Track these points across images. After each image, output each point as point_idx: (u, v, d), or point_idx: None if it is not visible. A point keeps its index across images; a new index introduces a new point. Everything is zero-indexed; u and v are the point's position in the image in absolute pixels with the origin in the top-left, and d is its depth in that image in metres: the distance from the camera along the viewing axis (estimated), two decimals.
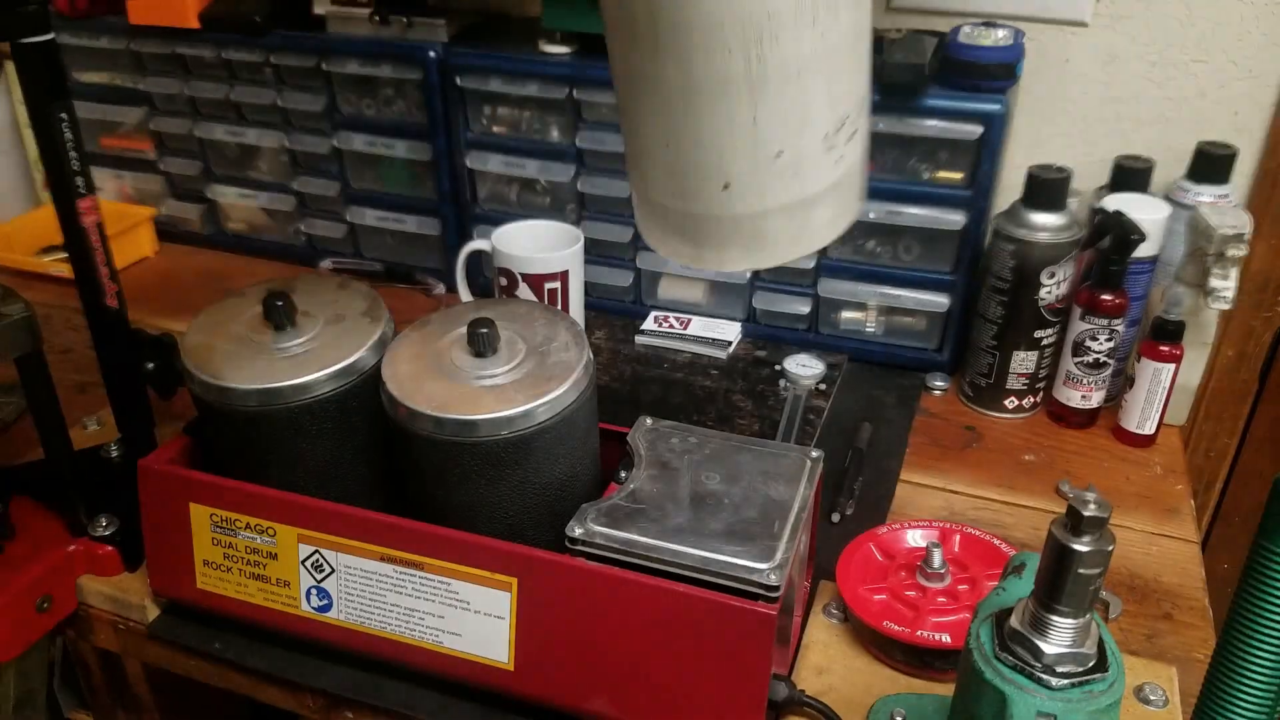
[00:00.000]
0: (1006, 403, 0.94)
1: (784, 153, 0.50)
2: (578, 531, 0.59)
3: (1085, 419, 0.93)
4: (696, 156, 0.50)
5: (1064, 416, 0.93)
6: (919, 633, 0.65)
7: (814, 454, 0.66)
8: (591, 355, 0.64)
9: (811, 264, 1.00)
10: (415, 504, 0.64)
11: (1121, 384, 0.93)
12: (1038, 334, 0.91)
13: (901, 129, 0.92)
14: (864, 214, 0.96)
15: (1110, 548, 0.45)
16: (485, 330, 0.61)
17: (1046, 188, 0.87)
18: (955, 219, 0.93)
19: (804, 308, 1.03)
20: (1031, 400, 0.94)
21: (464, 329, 0.63)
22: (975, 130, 0.90)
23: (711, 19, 0.46)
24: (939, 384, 0.99)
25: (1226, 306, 0.85)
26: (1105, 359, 0.89)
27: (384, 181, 1.16)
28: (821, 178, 0.52)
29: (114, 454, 0.83)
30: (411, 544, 0.62)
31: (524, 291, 0.94)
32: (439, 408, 0.59)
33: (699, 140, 0.49)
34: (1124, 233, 0.84)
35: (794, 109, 0.48)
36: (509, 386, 0.60)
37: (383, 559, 0.63)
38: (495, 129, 1.08)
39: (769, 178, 0.50)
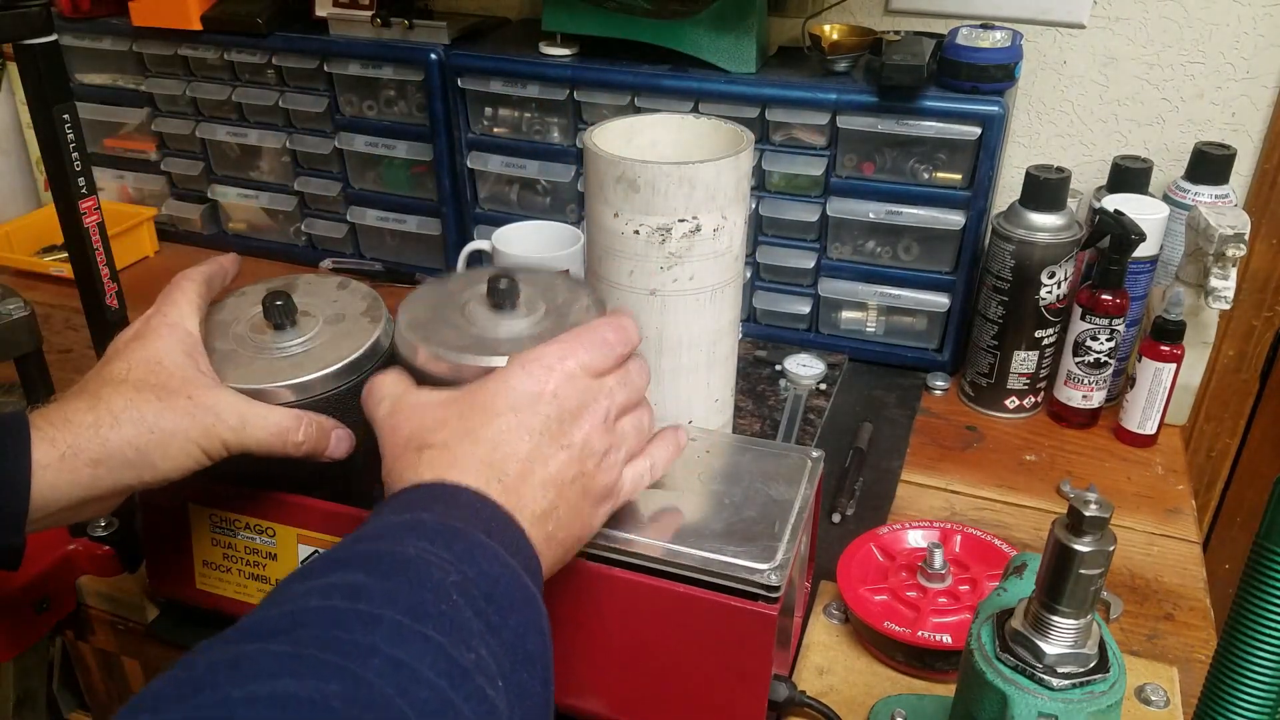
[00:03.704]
0: (1007, 403, 0.94)
1: None
2: None
3: (1086, 419, 0.93)
4: None
5: (1065, 416, 0.93)
6: (920, 633, 0.65)
7: (814, 454, 0.66)
8: None
9: (812, 264, 1.00)
10: None
11: (1122, 384, 0.93)
12: (1038, 334, 0.91)
13: (900, 130, 0.92)
14: (864, 214, 0.96)
15: (1111, 548, 0.45)
16: (505, 284, 0.58)
17: (1046, 188, 0.87)
18: (955, 219, 0.94)
19: (804, 308, 1.03)
20: (1032, 400, 0.94)
21: (484, 284, 0.59)
22: (974, 131, 0.90)
23: None
24: (939, 384, 1.00)
25: (1226, 306, 0.85)
26: (1106, 359, 0.89)
27: (385, 182, 1.16)
28: None
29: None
30: None
31: None
32: (460, 349, 0.55)
33: None
34: (1123, 233, 0.84)
35: None
36: (526, 339, 0.57)
37: None
38: (496, 130, 1.08)
39: None
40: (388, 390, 0.53)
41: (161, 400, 0.52)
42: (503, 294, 0.58)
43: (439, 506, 0.44)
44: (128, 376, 0.52)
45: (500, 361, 0.53)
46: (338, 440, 0.58)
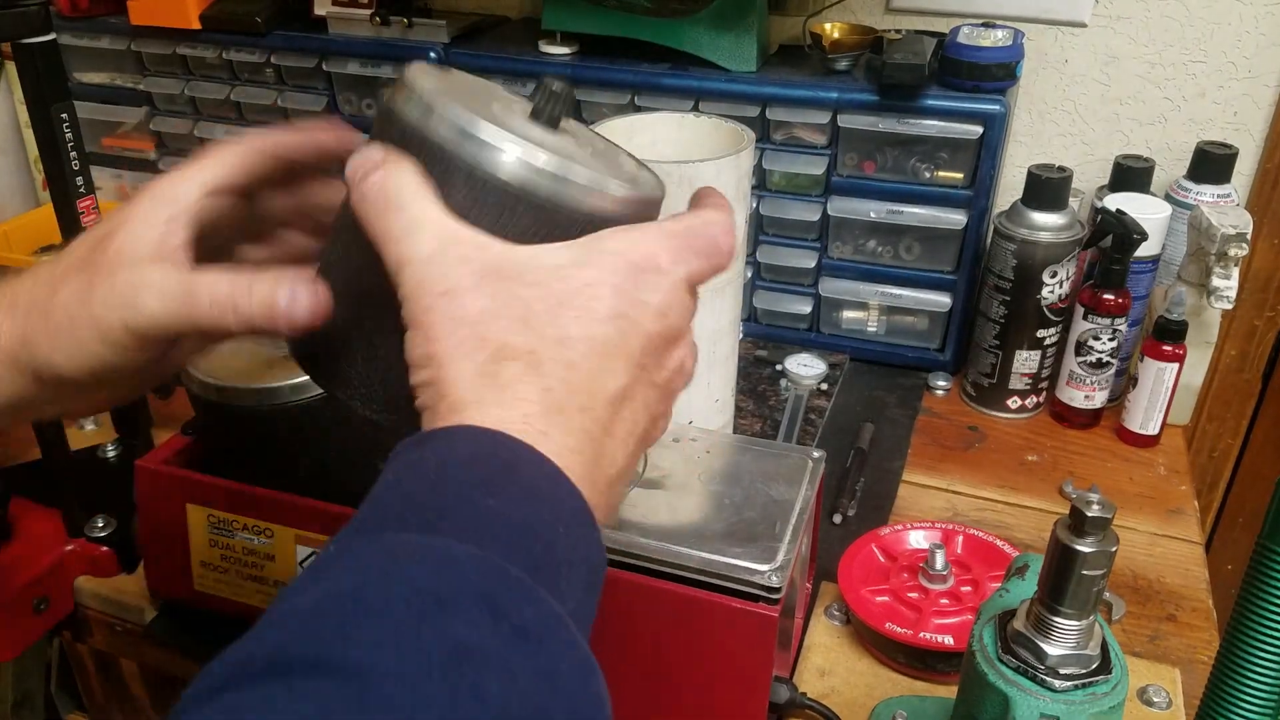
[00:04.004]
0: (1009, 403, 0.94)
1: None
2: None
3: (1088, 419, 0.92)
4: None
5: (1067, 417, 0.93)
6: (921, 635, 0.64)
7: (815, 454, 0.65)
8: None
9: (813, 264, 1.00)
10: None
11: (1124, 384, 0.92)
12: (1040, 333, 0.90)
13: (902, 129, 0.92)
14: (865, 213, 0.96)
15: (1114, 549, 0.45)
16: (560, 89, 0.41)
17: (1047, 187, 0.87)
18: (956, 218, 0.93)
19: (805, 307, 1.02)
20: (1034, 400, 0.94)
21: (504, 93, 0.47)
22: (975, 130, 0.90)
23: None
24: (941, 384, 0.99)
25: (1228, 306, 0.84)
26: (1108, 359, 0.89)
27: None
28: None
29: (111, 454, 0.83)
30: None
31: None
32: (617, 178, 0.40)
33: None
34: (1125, 232, 0.84)
35: None
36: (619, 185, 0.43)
37: None
38: None
39: None
40: (427, 213, 0.34)
41: (65, 279, 0.40)
42: (559, 103, 0.40)
43: (529, 506, 0.31)
44: (73, 250, 0.41)
45: (657, 193, 0.39)
46: (292, 298, 0.37)
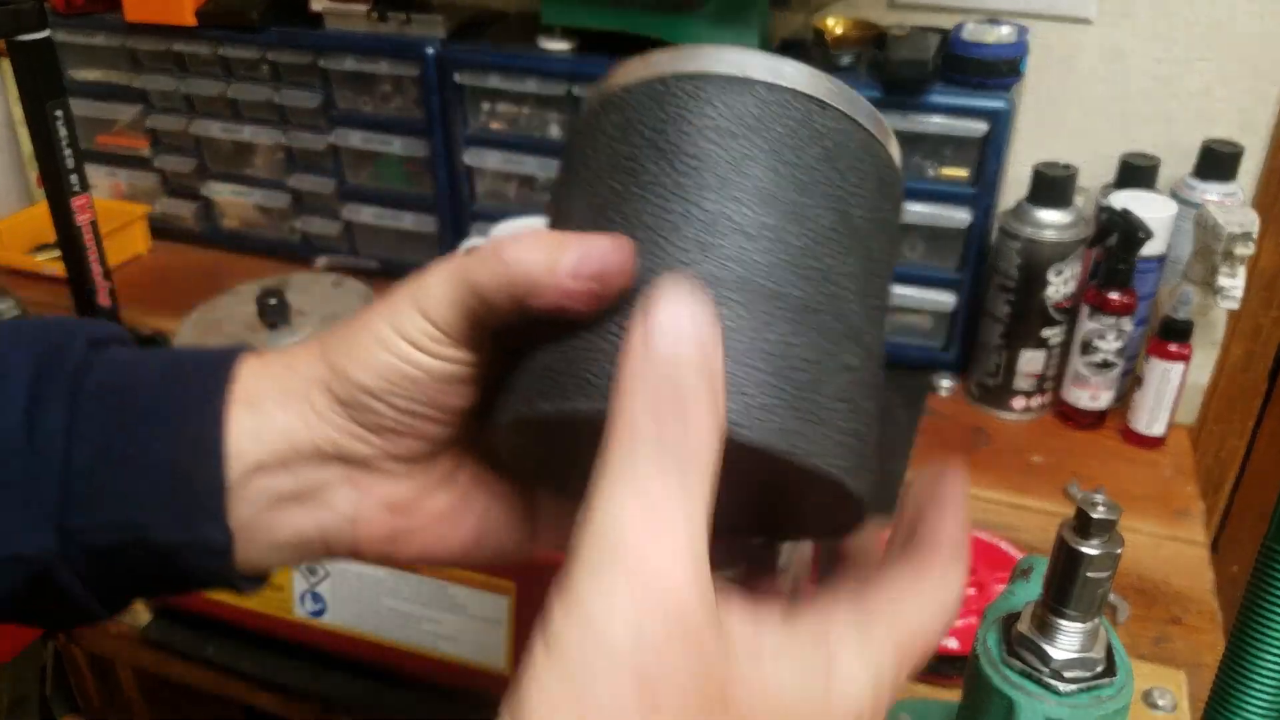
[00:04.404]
0: (1014, 403, 0.93)
1: None
2: None
3: (1094, 420, 0.92)
4: None
5: (1072, 417, 0.92)
6: None
7: None
8: None
9: None
10: None
11: (1130, 384, 0.92)
12: (1045, 333, 0.89)
13: (905, 126, 0.91)
14: None
15: (1119, 551, 0.44)
16: None
17: (1052, 185, 0.86)
18: (961, 216, 0.92)
19: None
20: (1040, 400, 0.93)
21: None
22: (980, 127, 0.89)
23: None
24: (945, 384, 0.98)
25: (1234, 305, 0.84)
26: (1113, 359, 0.88)
27: (380, 178, 1.15)
28: None
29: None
30: None
31: None
32: None
33: None
34: (1130, 230, 0.83)
35: None
36: None
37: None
38: (493, 125, 1.07)
39: None
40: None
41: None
42: None
43: None
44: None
45: None
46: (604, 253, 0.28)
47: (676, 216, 0.28)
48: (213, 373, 0.33)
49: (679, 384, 0.24)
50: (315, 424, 0.33)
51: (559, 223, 0.33)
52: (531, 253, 0.29)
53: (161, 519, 0.31)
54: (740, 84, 0.30)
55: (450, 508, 0.35)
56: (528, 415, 0.29)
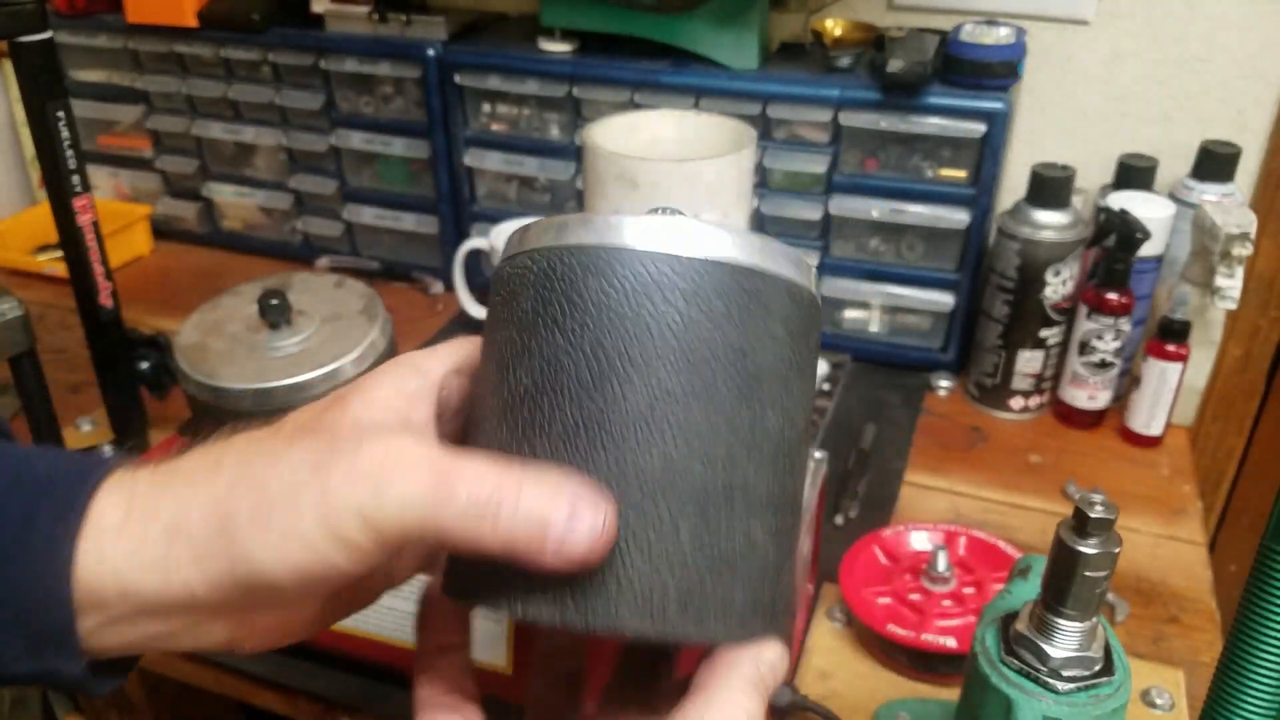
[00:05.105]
0: (1012, 403, 0.93)
1: None
2: None
3: (1092, 419, 0.92)
4: None
5: (1070, 417, 0.92)
6: (923, 637, 0.64)
7: (817, 455, 0.65)
8: None
9: (815, 263, 1.00)
10: None
11: (1128, 384, 0.92)
12: (1043, 333, 0.90)
13: (904, 127, 0.91)
14: (867, 212, 0.96)
15: (1117, 550, 0.45)
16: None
17: (1050, 186, 0.86)
18: (959, 217, 0.93)
19: None
20: (1038, 400, 0.93)
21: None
22: (978, 128, 0.89)
23: None
24: (944, 384, 0.99)
25: (1232, 306, 0.84)
26: (1111, 359, 0.88)
27: (382, 179, 1.15)
28: None
29: (108, 455, 0.82)
30: None
31: None
32: None
33: None
34: (1128, 231, 0.83)
35: None
36: None
37: None
38: (494, 127, 1.07)
39: None
40: None
41: (290, 442, 0.30)
42: None
43: None
44: (294, 418, 0.32)
45: None
46: (571, 517, 0.28)
47: (585, 423, 0.29)
48: (65, 506, 0.30)
49: None
50: (198, 589, 0.29)
51: (480, 414, 0.33)
52: (521, 531, 0.28)
53: (11, 650, 0.30)
54: (635, 256, 0.30)
55: (344, 595, 0.34)
56: (473, 604, 0.30)
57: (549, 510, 0.28)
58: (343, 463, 0.28)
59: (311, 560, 0.28)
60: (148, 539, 0.29)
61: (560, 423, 0.29)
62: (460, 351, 0.35)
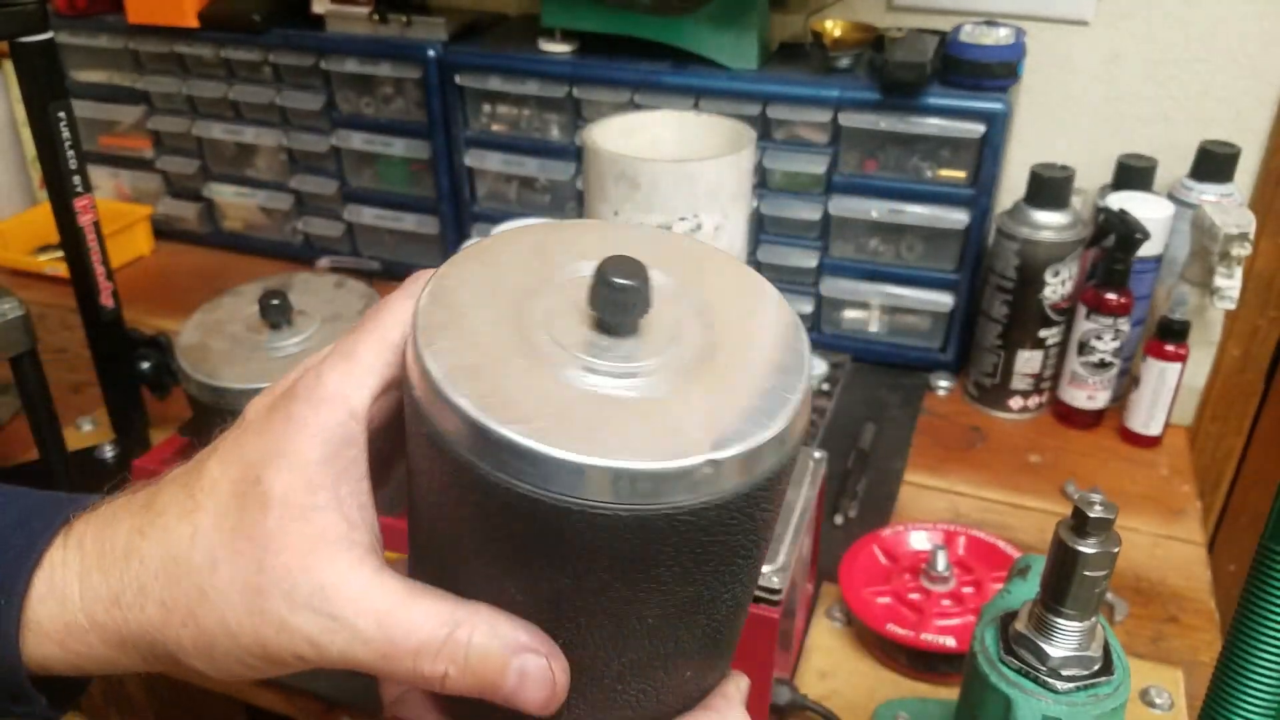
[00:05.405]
0: (1012, 403, 0.94)
1: None
2: None
3: (1091, 419, 0.92)
4: None
5: (1069, 417, 0.93)
6: (923, 636, 0.64)
7: (816, 455, 0.65)
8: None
9: (814, 263, 1.00)
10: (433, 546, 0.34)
11: (1127, 384, 0.92)
12: (1042, 333, 0.90)
13: (903, 128, 0.91)
14: (867, 212, 0.96)
15: (1116, 550, 0.45)
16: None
17: (1050, 186, 0.86)
18: (958, 218, 0.93)
19: (807, 307, 1.02)
20: (1037, 400, 0.94)
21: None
22: (977, 129, 0.89)
23: None
24: (943, 384, 0.99)
25: (1231, 306, 0.84)
26: (1110, 359, 0.88)
27: (382, 180, 1.15)
28: None
29: (108, 455, 0.83)
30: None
31: None
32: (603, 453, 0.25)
33: None
34: (1128, 231, 0.83)
35: None
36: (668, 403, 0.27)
37: None
38: (494, 127, 1.07)
39: None
40: None
41: (231, 558, 0.28)
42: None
43: None
44: (215, 487, 0.30)
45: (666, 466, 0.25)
46: (520, 675, 0.28)
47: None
48: (13, 574, 0.30)
49: None
50: (129, 666, 0.31)
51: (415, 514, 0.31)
52: (472, 684, 0.28)
53: None
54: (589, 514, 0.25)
55: None
56: None
57: (498, 664, 0.28)
58: (278, 602, 0.28)
59: (249, 674, 0.29)
60: (89, 643, 0.30)
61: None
62: (382, 363, 0.30)
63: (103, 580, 0.30)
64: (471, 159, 1.08)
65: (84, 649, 0.30)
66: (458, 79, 1.04)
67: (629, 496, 0.25)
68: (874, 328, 1.02)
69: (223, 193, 1.23)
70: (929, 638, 0.64)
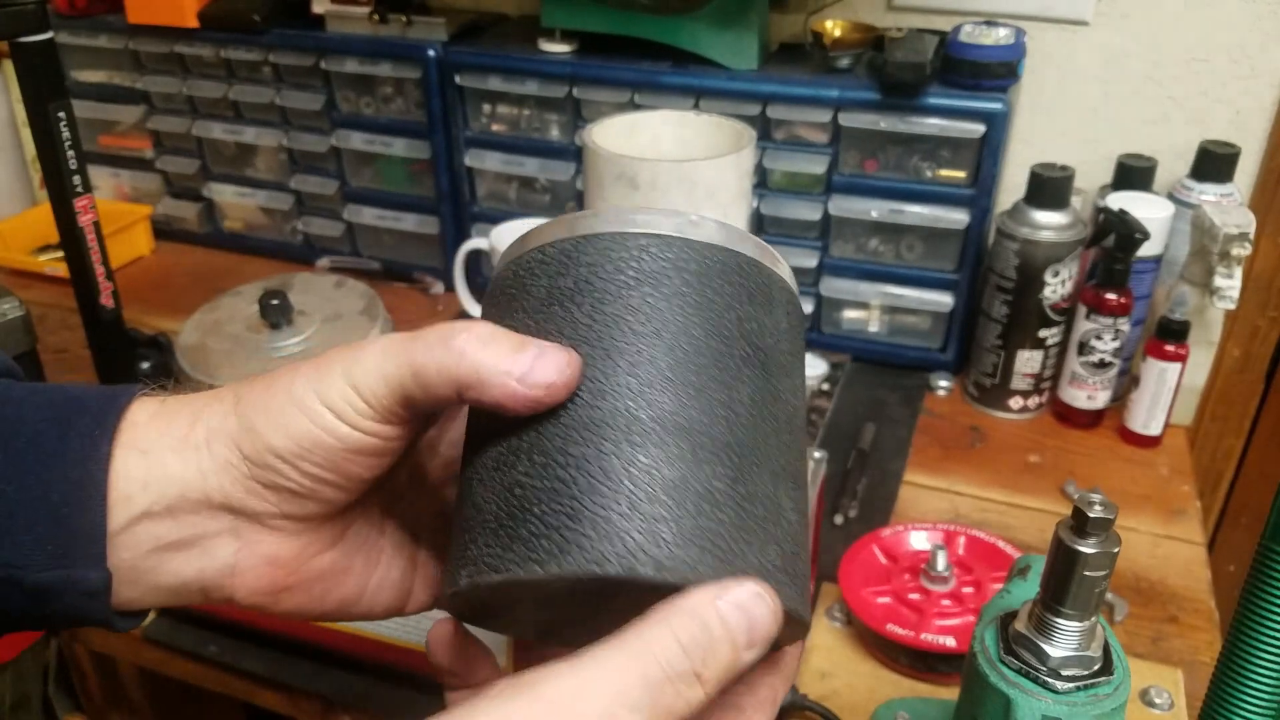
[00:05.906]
0: (1011, 403, 0.94)
1: None
2: None
3: (1091, 419, 0.92)
4: None
5: (1069, 417, 0.93)
6: (923, 636, 0.64)
7: (816, 455, 0.65)
8: None
9: (814, 263, 1.00)
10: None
11: (1127, 384, 0.92)
12: (1042, 333, 0.90)
13: (903, 127, 0.91)
14: (867, 212, 0.96)
15: (1116, 550, 0.45)
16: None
17: (1049, 186, 0.86)
18: (958, 218, 0.93)
19: (806, 307, 1.02)
20: (1037, 400, 0.94)
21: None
22: (977, 129, 0.89)
23: None
24: (943, 384, 0.99)
25: (1231, 306, 0.84)
26: (1110, 359, 0.88)
27: (382, 180, 1.15)
28: None
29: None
30: None
31: None
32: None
33: None
34: (1128, 231, 0.83)
35: None
36: None
37: None
38: (494, 127, 1.07)
39: None
40: None
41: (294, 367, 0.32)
42: None
43: None
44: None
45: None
46: (538, 355, 0.29)
47: (609, 362, 0.29)
48: (101, 414, 0.32)
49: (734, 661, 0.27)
50: (211, 475, 0.32)
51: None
52: (485, 349, 0.29)
53: (37, 559, 0.30)
54: (648, 240, 0.31)
55: (332, 568, 0.35)
56: (478, 584, 0.29)
57: (516, 341, 0.29)
58: (324, 362, 0.31)
59: (305, 421, 0.31)
60: (175, 421, 0.32)
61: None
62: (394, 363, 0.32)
63: (192, 393, 0.34)
64: (471, 159, 1.08)
65: (164, 428, 0.32)
66: (458, 79, 1.04)
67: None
68: (874, 328, 1.02)
69: (223, 193, 1.23)
70: (929, 638, 0.64)
